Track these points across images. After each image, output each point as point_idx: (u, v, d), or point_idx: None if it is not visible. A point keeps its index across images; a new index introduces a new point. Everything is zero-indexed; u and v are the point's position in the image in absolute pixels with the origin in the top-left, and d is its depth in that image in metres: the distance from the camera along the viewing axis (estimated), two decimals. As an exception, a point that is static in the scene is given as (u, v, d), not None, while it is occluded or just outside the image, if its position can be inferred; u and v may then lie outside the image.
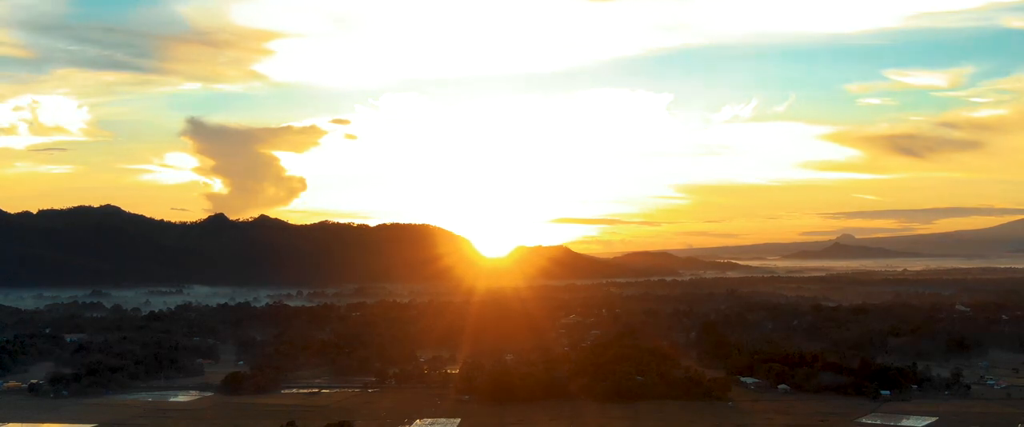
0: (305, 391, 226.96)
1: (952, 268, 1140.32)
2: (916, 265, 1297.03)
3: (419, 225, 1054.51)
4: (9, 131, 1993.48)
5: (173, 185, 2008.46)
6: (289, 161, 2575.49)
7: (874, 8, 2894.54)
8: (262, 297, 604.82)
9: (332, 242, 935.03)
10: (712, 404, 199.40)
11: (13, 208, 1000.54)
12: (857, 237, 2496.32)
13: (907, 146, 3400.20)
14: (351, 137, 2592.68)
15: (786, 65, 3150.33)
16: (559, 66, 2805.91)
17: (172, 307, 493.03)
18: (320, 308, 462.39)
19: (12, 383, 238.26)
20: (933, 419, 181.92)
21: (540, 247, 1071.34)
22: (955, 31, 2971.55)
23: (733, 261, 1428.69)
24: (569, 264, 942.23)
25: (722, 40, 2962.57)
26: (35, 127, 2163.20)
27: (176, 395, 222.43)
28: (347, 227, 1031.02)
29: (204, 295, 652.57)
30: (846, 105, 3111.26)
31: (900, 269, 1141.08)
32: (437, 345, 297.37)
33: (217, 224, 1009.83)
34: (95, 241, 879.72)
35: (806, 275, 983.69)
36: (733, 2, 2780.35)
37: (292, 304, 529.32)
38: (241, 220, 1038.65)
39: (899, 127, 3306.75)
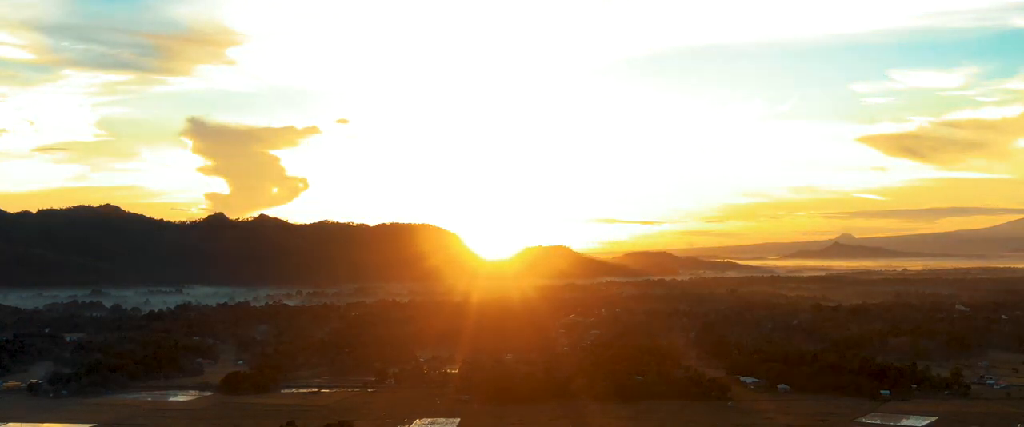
0: (305, 391, 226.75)
1: (952, 268, 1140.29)
2: (916, 265, 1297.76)
3: (418, 225, 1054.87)
4: (11, 130, 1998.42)
5: (173, 185, 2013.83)
6: (289, 161, 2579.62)
7: (880, 8, 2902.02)
8: (262, 297, 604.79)
9: (332, 242, 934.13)
10: (712, 404, 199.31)
11: (13, 208, 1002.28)
12: (857, 237, 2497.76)
13: (910, 146, 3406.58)
14: (352, 137, 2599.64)
15: (791, 64, 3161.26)
16: (563, 66, 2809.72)
17: (172, 307, 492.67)
18: (320, 308, 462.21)
19: (12, 383, 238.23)
20: (933, 419, 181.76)
21: (541, 247, 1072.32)
22: (961, 31, 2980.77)
23: (733, 261, 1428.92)
24: (569, 264, 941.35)
25: (727, 40, 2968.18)
26: (36, 126, 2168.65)
27: (176, 395, 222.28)
28: (347, 227, 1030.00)
29: (204, 295, 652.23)
30: (851, 104, 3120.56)
31: (900, 269, 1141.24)
32: (436, 345, 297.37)
33: (217, 224, 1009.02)
34: (95, 241, 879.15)
35: (806, 275, 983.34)
36: (738, 2, 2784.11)
37: (292, 304, 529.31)
38: (241, 220, 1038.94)
39: (903, 126, 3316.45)
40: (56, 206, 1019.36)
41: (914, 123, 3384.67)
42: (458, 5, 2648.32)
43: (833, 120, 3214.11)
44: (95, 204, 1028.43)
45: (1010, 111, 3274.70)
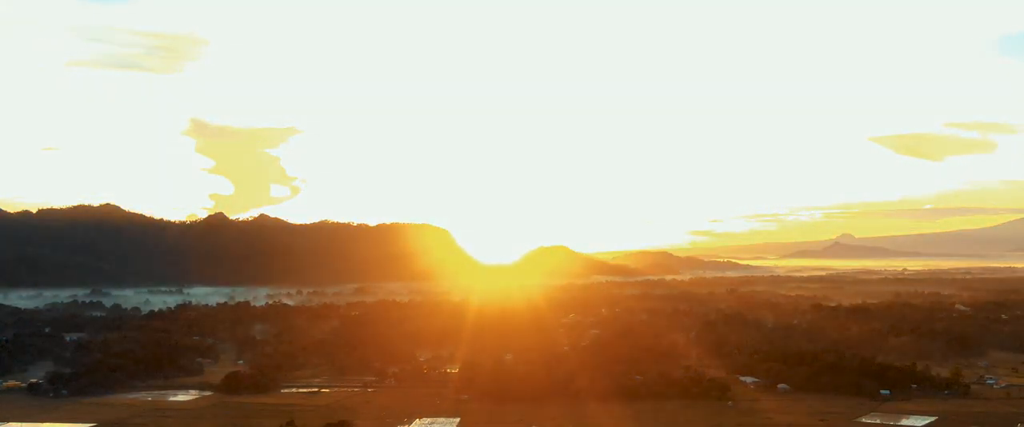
0: (305, 390, 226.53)
1: (952, 268, 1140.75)
2: (916, 265, 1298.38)
3: (419, 225, 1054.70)
4: (13, 129, 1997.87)
5: (175, 185, 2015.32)
6: (290, 161, 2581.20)
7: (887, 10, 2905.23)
8: (261, 296, 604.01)
9: (332, 242, 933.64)
10: (712, 403, 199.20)
11: (13, 208, 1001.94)
12: (857, 237, 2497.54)
13: (912, 145, 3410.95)
14: (352, 137, 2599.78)
15: (796, 63, 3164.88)
16: (563, 66, 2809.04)
17: (172, 306, 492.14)
18: (320, 307, 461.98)
19: (12, 383, 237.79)
20: (933, 419, 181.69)
21: (541, 247, 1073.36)
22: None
23: (733, 261, 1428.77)
24: (569, 264, 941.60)
25: (727, 40, 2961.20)
26: (38, 126, 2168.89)
27: (176, 394, 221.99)
28: (347, 227, 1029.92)
29: (204, 294, 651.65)
30: (856, 103, 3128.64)
31: (900, 269, 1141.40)
32: (436, 344, 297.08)
33: (217, 224, 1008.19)
34: (95, 241, 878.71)
35: (806, 275, 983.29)
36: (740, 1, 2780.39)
37: (292, 303, 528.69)
38: (241, 220, 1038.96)
39: (907, 126, 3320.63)
40: (56, 206, 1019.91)
41: (918, 123, 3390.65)
42: (459, 5, 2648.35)
43: (838, 119, 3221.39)
44: (95, 204, 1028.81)
45: (1013, 111, 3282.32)
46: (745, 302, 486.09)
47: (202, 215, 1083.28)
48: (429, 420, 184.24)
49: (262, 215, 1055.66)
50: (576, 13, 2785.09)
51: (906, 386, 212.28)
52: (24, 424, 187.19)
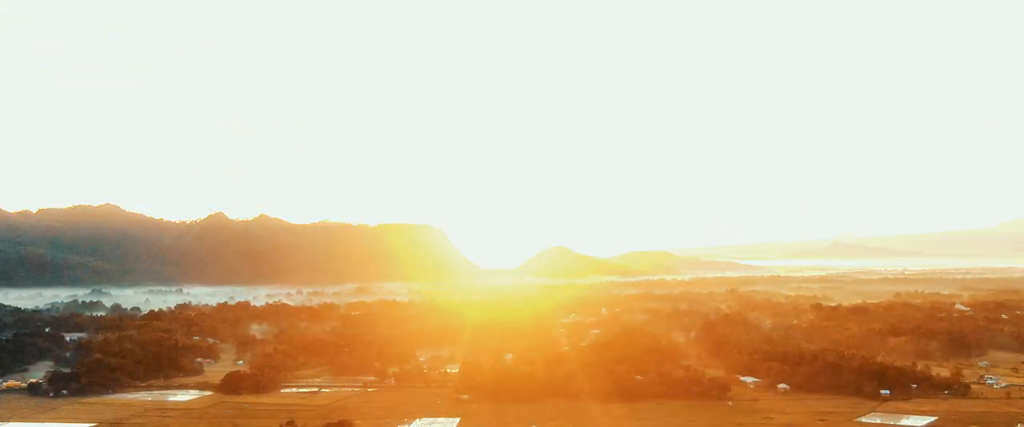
0: (305, 390, 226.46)
1: (952, 268, 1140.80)
2: (916, 265, 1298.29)
3: (419, 225, 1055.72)
4: (14, 130, 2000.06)
5: (175, 184, 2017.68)
6: (292, 161, 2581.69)
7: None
8: (261, 296, 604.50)
9: (332, 242, 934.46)
10: (712, 403, 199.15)
11: (13, 208, 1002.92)
12: (857, 237, 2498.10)
13: (913, 144, 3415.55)
14: (355, 137, 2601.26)
15: (797, 60, 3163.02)
16: (566, 66, 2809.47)
17: (172, 306, 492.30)
18: (320, 307, 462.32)
19: (12, 383, 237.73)
20: (933, 419, 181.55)
21: (544, 249, 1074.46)
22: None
23: (733, 261, 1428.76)
24: (570, 264, 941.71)
25: (724, 36, 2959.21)
26: (38, 126, 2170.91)
27: (176, 394, 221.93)
28: (347, 227, 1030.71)
29: (204, 294, 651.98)
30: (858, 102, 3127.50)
31: (900, 269, 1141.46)
32: (436, 344, 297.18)
33: (217, 224, 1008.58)
34: (95, 241, 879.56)
35: (806, 275, 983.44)
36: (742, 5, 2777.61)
37: (292, 303, 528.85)
38: (241, 219, 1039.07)
39: (906, 126, 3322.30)
40: (56, 206, 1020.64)
41: (919, 123, 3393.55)
42: (459, 5, 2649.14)
43: (837, 118, 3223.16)
44: (95, 204, 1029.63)
45: (1013, 112, 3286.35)
46: (745, 302, 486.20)
47: (202, 215, 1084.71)
48: (429, 420, 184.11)
49: (262, 215, 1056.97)
50: (576, 13, 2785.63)
51: (906, 386, 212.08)
52: (24, 424, 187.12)
